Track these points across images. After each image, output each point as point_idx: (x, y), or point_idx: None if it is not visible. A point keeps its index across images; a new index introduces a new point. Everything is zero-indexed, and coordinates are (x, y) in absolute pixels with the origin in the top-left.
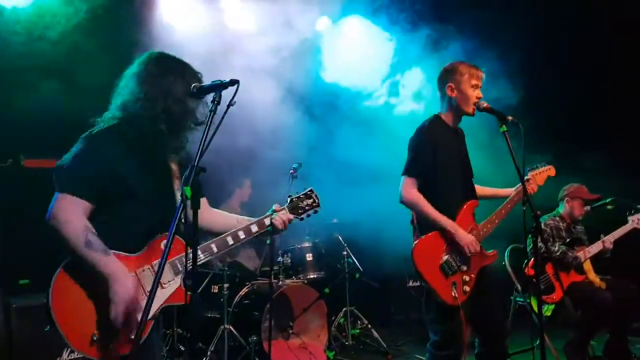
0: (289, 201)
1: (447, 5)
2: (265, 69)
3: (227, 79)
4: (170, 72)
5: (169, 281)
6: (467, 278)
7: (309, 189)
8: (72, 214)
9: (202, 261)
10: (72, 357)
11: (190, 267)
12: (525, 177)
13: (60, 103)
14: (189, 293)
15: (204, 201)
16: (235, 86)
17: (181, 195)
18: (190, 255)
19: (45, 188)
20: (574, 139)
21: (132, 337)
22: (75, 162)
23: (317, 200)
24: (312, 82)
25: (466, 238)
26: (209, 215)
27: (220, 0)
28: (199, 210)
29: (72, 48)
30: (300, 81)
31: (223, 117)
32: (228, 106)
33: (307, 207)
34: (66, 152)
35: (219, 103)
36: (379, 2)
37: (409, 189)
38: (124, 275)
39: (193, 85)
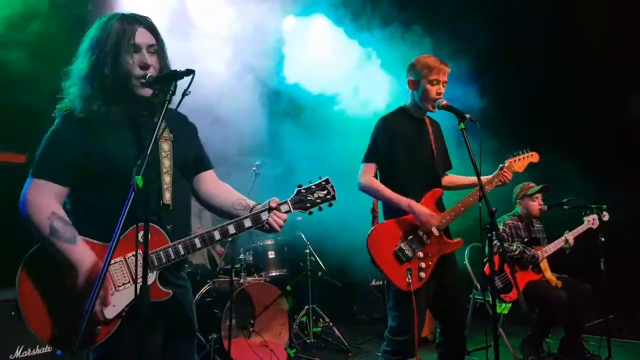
0: (295, 192)
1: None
2: (224, 63)
3: (183, 69)
4: (113, 50)
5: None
6: (423, 265)
7: (324, 178)
8: (41, 199)
9: (183, 257)
10: (26, 355)
11: (142, 263)
12: (502, 165)
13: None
14: (166, 290)
15: (208, 175)
16: (191, 76)
17: (131, 185)
18: (169, 251)
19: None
20: (534, 140)
21: (96, 331)
22: (46, 144)
23: (332, 191)
24: (272, 78)
25: (424, 213)
26: (212, 189)
27: None
28: (199, 186)
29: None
30: (259, 77)
31: (177, 107)
32: (183, 96)
33: (317, 200)
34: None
35: (174, 93)
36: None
37: (366, 174)
38: (91, 264)
39: (148, 75)
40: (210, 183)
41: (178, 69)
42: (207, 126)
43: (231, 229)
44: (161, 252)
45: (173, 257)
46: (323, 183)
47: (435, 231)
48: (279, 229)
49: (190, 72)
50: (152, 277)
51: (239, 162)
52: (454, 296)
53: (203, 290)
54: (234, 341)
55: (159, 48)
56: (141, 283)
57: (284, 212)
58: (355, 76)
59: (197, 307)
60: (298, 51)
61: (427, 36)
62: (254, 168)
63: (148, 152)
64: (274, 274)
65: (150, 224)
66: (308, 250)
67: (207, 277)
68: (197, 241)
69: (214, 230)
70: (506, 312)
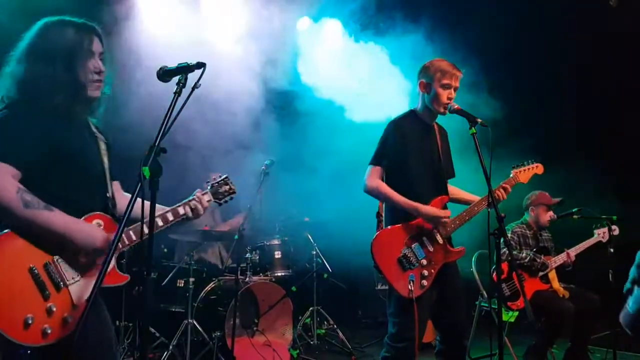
0: (210, 186)
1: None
2: (239, 65)
3: (194, 62)
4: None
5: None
6: (426, 273)
7: (224, 176)
8: (2, 179)
9: (135, 242)
10: None
11: (146, 254)
12: (510, 176)
13: None
14: (123, 274)
15: (117, 185)
16: (202, 69)
17: (139, 175)
18: (124, 237)
19: None
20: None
21: (68, 319)
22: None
23: (233, 187)
24: (284, 81)
25: (431, 211)
26: (123, 200)
27: None
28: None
29: None
30: (271, 79)
31: (187, 99)
32: (193, 89)
33: (225, 193)
34: None
35: (184, 86)
36: (356, 9)
37: (373, 177)
38: (80, 222)
39: (160, 67)
40: (117, 191)
41: (189, 62)
42: (200, 113)
43: (169, 216)
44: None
45: (127, 242)
46: (225, 179)
47: (439, 239)
48: (202, 211)
49: (201, 65)
50: (112, 262)
51: (229, 151)
52: (456, 304)
53: (208, 288)
54: (237, 340)
55: (104, 56)
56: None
57: (207, 200)
58: (362, 80)
59: (202, 305)
60: (310, 53)
61: (436, 34)
62: (262, 167)
63: (156, 144)
64: (279, 274)
65: (101, 213)
66: (315, 252)
67: (212, 275)
68: (144, 227)
69: (156, 217)
70: (513, 320)
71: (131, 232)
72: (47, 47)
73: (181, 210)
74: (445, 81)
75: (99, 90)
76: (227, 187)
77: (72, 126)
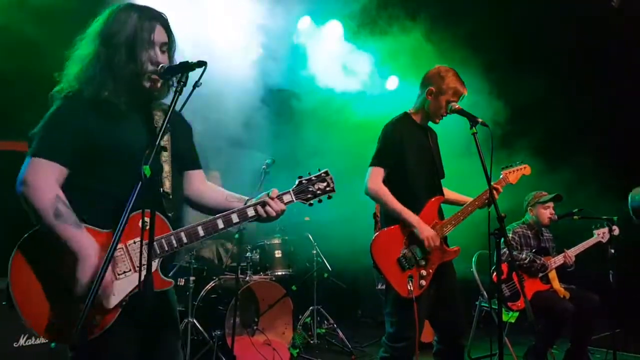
0: (297, 183)
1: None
2: (236, 63)
3: (195, 60)
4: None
5: (144, 265)
6: (424, 272)
7: (323, 170)
8: (43, 180)
9: (187, 246)
10: (30, 343)
11: (146, 254)
12: (500, 177)
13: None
14: (166, 279)
15: (198, 174)
16: (203, 67)
17: (139, 175)
18: (172, 239)
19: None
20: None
21: (94, 322)
22: (48, 123)
23: (331, 183)
24: (283, 79)
25: (426, 231)
26: (202, 187)
27: None
28: (189, 184)
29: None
30: (270, 77)
31: (188, 98)
32: (194, 87)
33: (318, 192)
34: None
35: (184, 84)
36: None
37: (375, 179)
38: (94, 253)
39: (160, 65)
40: (200, 181)
41: (190, 61)
42: (196, 111)
43: (234, 218)
44: (163, 240)
45: (175, 245)
46: (323, 175)
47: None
48: (275, 214)
49: (202, 63)
50: (154, 265)
51: (226, 149)
52: (453, 304)
53: (208, 287)
54: (238, 339)
55: (169, 47)
56: (145, 272)
57: (286, 202)
58: (361, 78)
59: (202, 304)
60: (311, 51)
61: (435, 34)
62: (263, 166)
63: (157, 142)
64: (279, 273)
65: (149, 211)
66: (315, 251)
67: (213, 274)
68: (199, 229)
69: (217, 218)
70: (513, 320)
71: (182, 234)
72: (113, 32)
73: (250, 212)
74: (453, 99)
75: (157, 83)
76: (325, 184)
77: (129, 118)
